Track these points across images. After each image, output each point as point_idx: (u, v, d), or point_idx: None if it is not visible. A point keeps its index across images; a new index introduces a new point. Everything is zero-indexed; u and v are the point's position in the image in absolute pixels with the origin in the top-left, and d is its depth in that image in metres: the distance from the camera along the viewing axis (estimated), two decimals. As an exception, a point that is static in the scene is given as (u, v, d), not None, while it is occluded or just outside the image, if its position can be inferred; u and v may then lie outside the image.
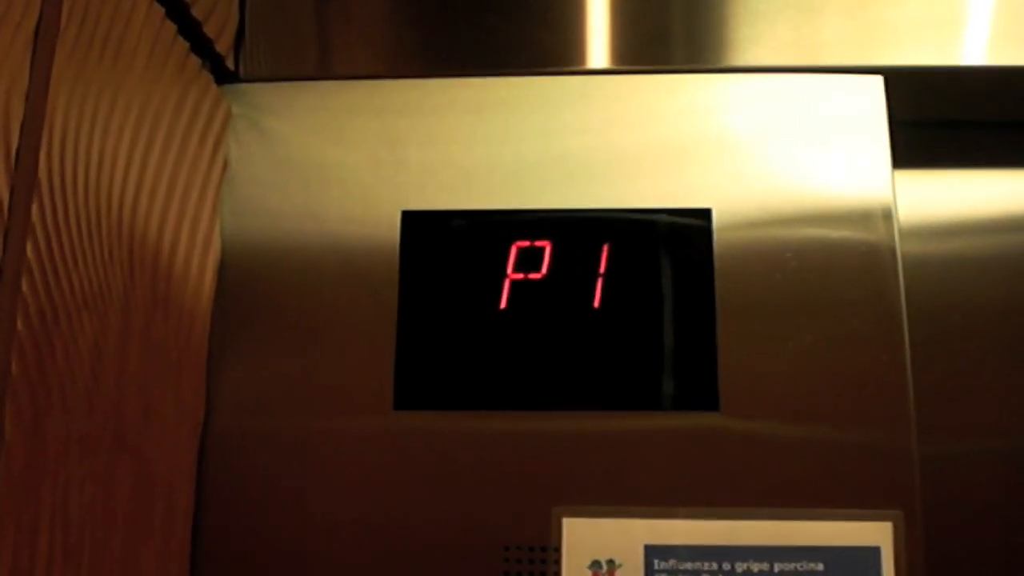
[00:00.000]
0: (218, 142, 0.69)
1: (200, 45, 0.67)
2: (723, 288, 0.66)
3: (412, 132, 0.71)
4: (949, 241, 0.76)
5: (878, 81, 0.70)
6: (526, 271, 0.68)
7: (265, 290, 0.68)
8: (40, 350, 0.48)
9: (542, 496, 0.64)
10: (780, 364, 0.65)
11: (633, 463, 0.64)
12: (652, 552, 0.62)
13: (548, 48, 0.73)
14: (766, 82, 0.70)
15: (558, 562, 0.62)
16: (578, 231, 0.68)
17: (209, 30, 0.68)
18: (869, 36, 0.72)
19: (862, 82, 0.70)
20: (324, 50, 0.76)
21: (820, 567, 0.61)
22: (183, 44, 0.64)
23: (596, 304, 0.67)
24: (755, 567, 0.61)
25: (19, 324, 0.47)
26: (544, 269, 0.68)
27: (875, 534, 0.62)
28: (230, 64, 0.72)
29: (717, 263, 0.67)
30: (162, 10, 0.62)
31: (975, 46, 0.72)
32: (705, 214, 0.68)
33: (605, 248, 0.68)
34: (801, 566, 0.61)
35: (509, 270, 0.68)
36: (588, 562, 0.62)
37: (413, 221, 0.69)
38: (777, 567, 0.61)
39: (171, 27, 0.63)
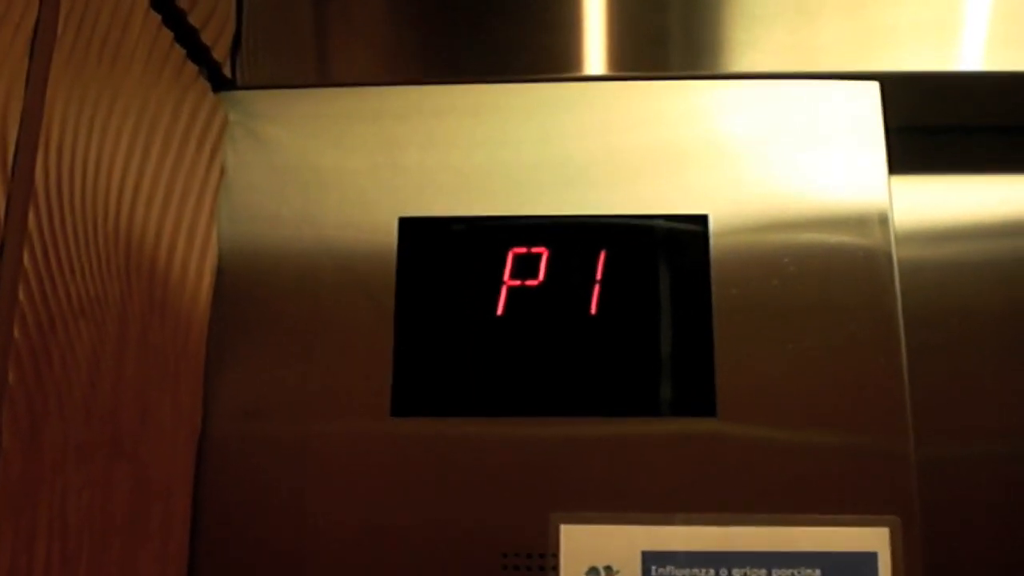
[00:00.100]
0: (215, 149, 0.69)
1: (197, 52, 0.67)
2: (720, 294, 0.66)
3: (409, 138, 0.71)
4: (945, 246, 0.76)
5: (874, 87, 0.70)
6: (523, 277, 0.68)
7: (262, 296, 0.68)
8: (37, 358, 0.48)
9: (539, 502, 0.63)
10: (777, 369, 0.65)
11: (630, 469, 0.64)
12: (649, 558, 0.62)
13: (546, 54, 0.73)
14: (762, 88, 0.70)
15: (556, 568, 0.62)
16: (575, 237, 0.68)
17: (206, 37, 0.68)
18: (865, 41, 0.72)
19: (858, 88, 0.70)
20: (321, 57, 0.76)
21: (817, 573, 0.61)
22: (180, 51, 0.65)
23: (593, 310, 0.67)
24: (752, 573, 0.61)
25: (16, 332, 0.47)
26: (541, 275, 0.68)
27: (872, 539, 0.62)
28: (227, 71, 0.72)
29: (714, 269, 0.67)
30: (159, 17, 0.62)
31: (971, 51, 0.72)
32: (702, 220, 0.68)
33: (602, 254, 0.68)
34: (798, 572, 0.61)
35: (506, 276, 0.68)
36: (586, 568, 0.62)
37: (410, 227, 0.69)
38: (775, 573, 0.61)
39: (168, 34, 0.63)
